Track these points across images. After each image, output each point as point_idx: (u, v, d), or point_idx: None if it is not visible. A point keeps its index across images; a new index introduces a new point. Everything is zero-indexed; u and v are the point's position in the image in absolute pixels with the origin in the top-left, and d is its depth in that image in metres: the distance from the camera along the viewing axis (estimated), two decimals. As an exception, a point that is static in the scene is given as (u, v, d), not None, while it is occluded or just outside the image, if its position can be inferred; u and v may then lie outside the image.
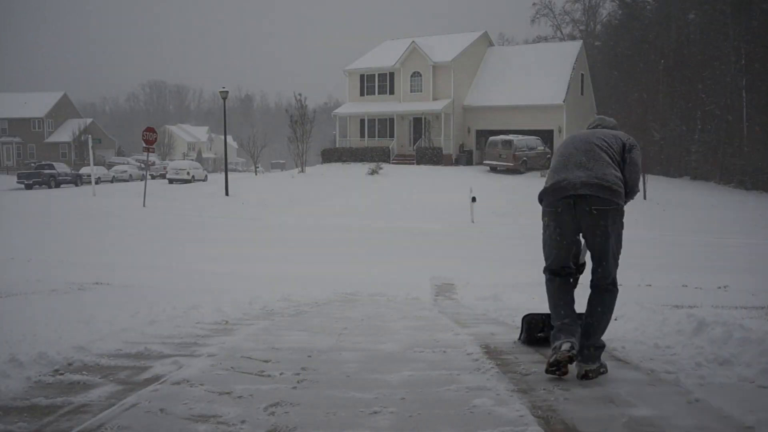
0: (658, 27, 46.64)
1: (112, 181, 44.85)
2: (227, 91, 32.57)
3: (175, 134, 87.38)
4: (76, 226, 20.68)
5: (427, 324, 6.30)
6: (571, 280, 3.88)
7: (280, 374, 3.84)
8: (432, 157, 37.06)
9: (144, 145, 27.96)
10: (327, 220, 23.51)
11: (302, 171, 37.83)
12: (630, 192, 3.76)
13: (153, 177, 46.63)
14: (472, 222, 21.74)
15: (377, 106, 39.72)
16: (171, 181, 40.90)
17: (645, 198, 27.03)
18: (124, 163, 53.62)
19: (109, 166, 53.52)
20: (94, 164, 37.56)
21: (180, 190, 34.63)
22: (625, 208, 3.77)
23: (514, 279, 11.40)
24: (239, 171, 73.53)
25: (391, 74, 39.91)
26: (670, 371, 3.70)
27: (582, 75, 40.12)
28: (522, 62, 40.08)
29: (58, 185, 39.07)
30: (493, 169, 33.92)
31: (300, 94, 39.95)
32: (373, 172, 33.91)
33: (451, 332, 5.61)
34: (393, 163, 37.57)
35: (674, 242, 19.23)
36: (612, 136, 3.84)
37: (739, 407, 2.98)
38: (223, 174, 33.44)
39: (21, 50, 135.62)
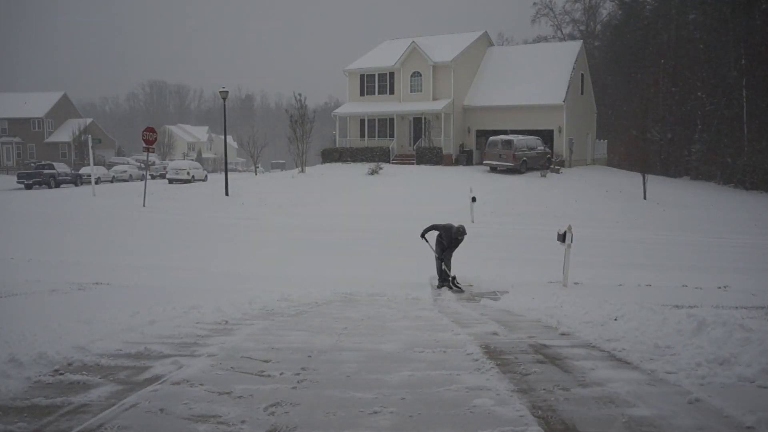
0: (658, 27, 46.64)
1: (112, 181, 44.84)
2: (227, 91, 32.54)
3: (175, 134, 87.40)
4: (76, 227, 20.65)
5: (427, 324, 6.30)
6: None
7: (280, 374, 3.84)
8: (432, 157, 37.01)
9: (144, 145, 27.91)
10: (327, 220, 23.50)
11: (302, 171, 37.77)
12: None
13: (153, 177, 46.64)
14: (473, 222, 21.72)
15: (377, 106, 39.69)
16: (171, 181, 40.88)
17: (645, 198, 26.99)
18: (124, 163, 53.61)
19: (109, 166, 53.52)
20: (94, 164, 37.47)
21: (180, 190, 34.59)
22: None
23: (514, 279, 11.42)
24: (239, 171, 73.51)
25: (391, 74, 39.88)
26: (670, 371, 3.70)
27: (582, 75, 40.07)
28: (522, 62, 40.03)
29: (58, 185, 39.04)
30: (493, 169, 33.88)
31: (300, 94, 39.90)
32: (373, 172, 33.86)
33: (451, 332, 5.61)
34: (393, 163, 37.51)
35: (674, 242, 19.22)
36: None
37: (739, 407, 2.97)
38: (223, 174, 33.41)
39: (21, 50, 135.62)
